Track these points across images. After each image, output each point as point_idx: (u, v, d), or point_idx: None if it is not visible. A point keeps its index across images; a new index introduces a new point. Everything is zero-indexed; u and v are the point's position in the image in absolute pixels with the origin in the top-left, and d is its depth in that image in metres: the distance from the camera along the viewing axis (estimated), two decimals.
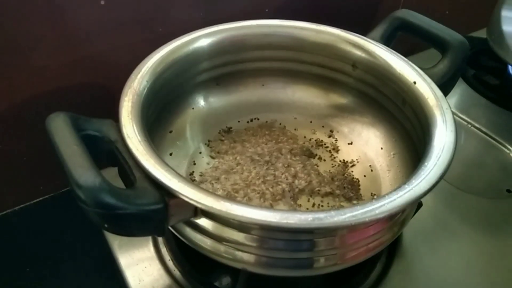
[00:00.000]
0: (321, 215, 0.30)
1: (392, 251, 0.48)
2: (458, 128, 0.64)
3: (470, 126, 0.65)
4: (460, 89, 0.72)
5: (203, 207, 0.30)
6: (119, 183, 0.35)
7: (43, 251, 0.56)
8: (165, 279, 0.45)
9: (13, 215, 0.58)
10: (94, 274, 0.54)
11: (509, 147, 0.62)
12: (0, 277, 0.54)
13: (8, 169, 0.54)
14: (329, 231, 0.33)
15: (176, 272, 0.45)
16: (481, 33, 0.72)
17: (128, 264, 0.46)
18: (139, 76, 0.40)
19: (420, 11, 0.79)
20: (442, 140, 0.36)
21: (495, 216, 0.53)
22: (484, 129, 0.64)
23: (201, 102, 0.52)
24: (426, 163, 0.34)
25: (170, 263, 0.46)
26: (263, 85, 0.54)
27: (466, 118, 0.66)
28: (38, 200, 0.59)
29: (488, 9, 0.76)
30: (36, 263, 0.55)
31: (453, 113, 0.65)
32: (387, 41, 0.49)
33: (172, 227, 0.37)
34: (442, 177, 0.33)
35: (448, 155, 0.35)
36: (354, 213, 0.30)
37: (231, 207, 0.30)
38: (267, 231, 0.33)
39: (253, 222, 0.30)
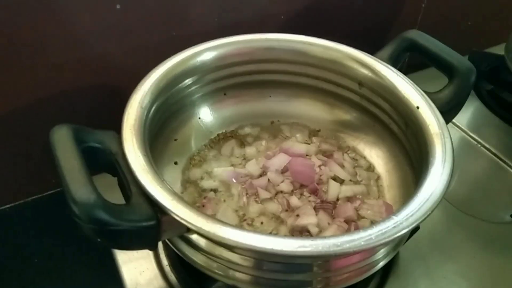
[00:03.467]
0: (307, 242, 0.31)
1: (386, 271, 0.49)
2: (467, 147, 0.64)
3: (479, 146, 0.65)
4: (473, 107, 0.71)
5: (193, 227, 0.31)
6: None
7: (51, 243, 0.58)
8: (161, 283, 0.47)
9: (25, 206, 0.60)
10: (99, 267, 0.56)
11: None
12: (10, 266, 0.56)
13: (22, 161, 0.56)
14: (313, 259, 0.33)
15: (172, 278, 0.47)
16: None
17: (127, 267, 0.48)
18: (144, 88, 0.41)
19: (441, 22, 0.78)
20: (438, 172, 0.36)
21: (496, 241, 0.53)
22: (494, 150, 0.64)
23: (207, 111, 0.52)
24: (418, 195, 0.34)
25: (167, 268, 0.48)
26: (270, 96, 0.55)
27: (477, 138, 0.65)
28: (50, 192, 0.61)
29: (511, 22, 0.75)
30: (44, 254, 0.57)
31: (463, 131, 0.66)
32: (396, 61, 0.49)
33: (167, 239, 0.38)
34: (432, 211, 0.33)
35: (441, 189, 0.35)
36: (339, 242, 0.31)
37: (220, 230, 0.31)
38: (259, 254, 0.34)
39: (240, 246, 0.30)
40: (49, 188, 0.60)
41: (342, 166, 0.49)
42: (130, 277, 0.47)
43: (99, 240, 0.31)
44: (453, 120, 0.67)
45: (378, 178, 0.49)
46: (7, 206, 0.59)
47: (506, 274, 0.50)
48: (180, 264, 0.47)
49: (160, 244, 0.49)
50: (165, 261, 0.48)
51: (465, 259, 0.50)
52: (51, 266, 0.56)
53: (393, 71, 0.47)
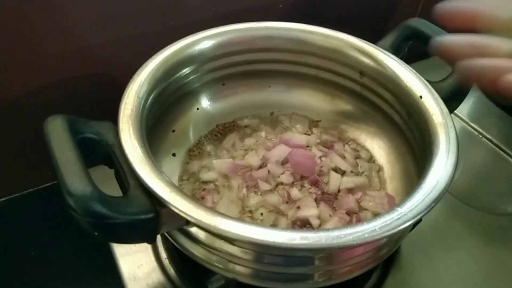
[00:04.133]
0: (309, 235, 0.30)
1: (388, 262, 0.48)
2: (469, 138, 0.64)
3: (481, 136, 0.64)
4: (474, 97, 0.70)
5: (192, 220, 0.30)
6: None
7: (48, 236, 0.57)
8: (159, 276, 0.46)
9: (21, 199, 0.59)
10: (95, 260, 0.55)
11: None
12: (6, 259, 0.55)
13: (18, 154, 0.55)
14: (316, 251, 0.33)
15: (171, 271, 0.46)
16: None
17: (125, 260, 0.47)
18: (140, 78, 0.40)
19: None
20: (443, 163, 0.35)
21: (497, 233, 0.52)
22: (495, 141, 0.63)
23: (206, 102, 0.52)
24: (423, 186, 0.34)
25: (166, 262, 0.47)
26: (269, 86, 0.54)
27: (478, 128, 0.65)
28: (46, 185, 0.60)
29: None
30: (41, 247, 0.56)
31: (464, 122, 0.65)
32: (397, 50, 0.48)
33: (166, 232, 0.38)
34: (437, 202, 0.33)
35: (445, 180, 0.34)
36: (342, 234, 0.30)
37: (220, 222, 0.30)
38: (258, 247, 0.33)
39: (240, 239, 0.30)
40: (45, 181, 0.59)
41: (343, 157, 0.48)
42: (128, 271, 0.46)
43: (96, 233, 0.30)
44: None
45: (380, 169, 0.49)
46: (3, 199, 0.58)
47: (507, 265, 0.49)
48: (178, 257, 0.46)
49: (158, 237, 0.49)
50: (163, 254, 0.47)
51: (466, 251, 0.50)
52: (48, 260, 0.56)
53: (395, 60, 0.46)
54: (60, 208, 0.59)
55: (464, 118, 0.67)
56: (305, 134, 0.51)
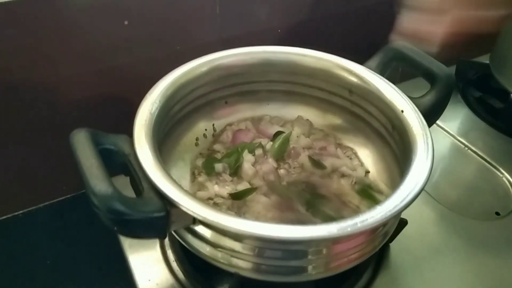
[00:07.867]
0: (301, 229, 0.34)
1: (378, 264, 0.52)
2: (456, 151, 0.68)
3: (467, 149, 0.68)
4: (462, 113, 0.75)
5: (199, 218, 0.35)
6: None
7: (62, 245, 0.61)
8: (168, 278, 0.50)
9: (37, 212, 0.63)
10: (107, 270, 0.59)
11: (502, 170, 0.65)
12: (24, 268, 0.59)
13: (34, 169, 0.60)
14: (307, 243, 0.37)
15: (179, 273, 0.50)
16: None
17: (137, 263, 0.51)
18: (152, 97, 0.45)
19: None
20: (420, 168, 0.40)
21: (482, 238, 0.56)
22: (480, 153, 0.67)
23: (210, 118, 0.57)
24: (401, 187, 0.38)
25: (174, 264, 0.51)
26: (268, 104, 0.59)
27: (464, 141, 0.69)
28: (60, 199, 0.64)
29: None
30: (56, 256, 0.60)
31: (452, 136, 0.70)
32: (383, 70, 0.52)
33: (174, 232, 0.42)
34: (412, 201, 0.37)
35: (422, 182, 0.38)
36: (329, 229, 0.34)
37: (223, 218, 0.35)
38: (258, 241, 0.38)
39: (242, 234, 0.34)
40: (60, 194, 0.64)
41: (338, 157, 0.53)
42: (139, 273, 0.50)
43: (115, 228, 0.35)
44: (443, 126, 0.71)
45: (366, 173, 0.53)
46: (20, 212, 0.62)
47: (491, 268, 0.53)
48: (186, 259, 0.50)
49: (167, 242, 0.53)
50: (171, 257, 0.51)
51: (452, 254, 0.54)
52: (63, 267, 0.59)
53: (380, 78, 0.50)
54: (74, 219, 0.62)
55: (452, 132, 0.71)
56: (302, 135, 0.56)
